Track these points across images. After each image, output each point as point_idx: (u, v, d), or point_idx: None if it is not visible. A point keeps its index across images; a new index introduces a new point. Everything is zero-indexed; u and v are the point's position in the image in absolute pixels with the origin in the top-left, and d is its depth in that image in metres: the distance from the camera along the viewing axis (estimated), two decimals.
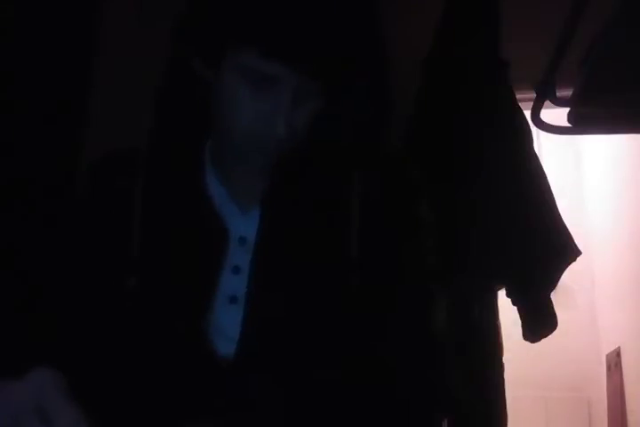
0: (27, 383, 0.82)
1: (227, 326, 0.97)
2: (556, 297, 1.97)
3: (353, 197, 1.01)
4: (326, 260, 0.99)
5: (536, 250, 1.94)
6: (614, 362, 3.43)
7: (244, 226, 1.01)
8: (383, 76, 1.16)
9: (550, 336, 1.96)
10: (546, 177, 2.00)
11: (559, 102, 1.80)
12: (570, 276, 2.02)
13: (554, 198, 1.99)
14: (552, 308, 1.96)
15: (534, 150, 2.03)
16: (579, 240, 1.98)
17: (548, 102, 1.80)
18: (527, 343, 1.98)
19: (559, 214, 1.99)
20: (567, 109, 1.78)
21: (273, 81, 0.91)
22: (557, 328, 1.95)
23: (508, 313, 2.00)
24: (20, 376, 0.83)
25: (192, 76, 0.99)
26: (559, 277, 1.97)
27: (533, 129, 1.96)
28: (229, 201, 1.02)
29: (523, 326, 1.96)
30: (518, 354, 2.37)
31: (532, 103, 1.82)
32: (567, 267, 1.97)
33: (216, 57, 0.94)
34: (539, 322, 1.95)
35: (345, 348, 0.98)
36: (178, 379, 0.98)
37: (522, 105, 2.02)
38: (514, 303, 1.98)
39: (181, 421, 0.95)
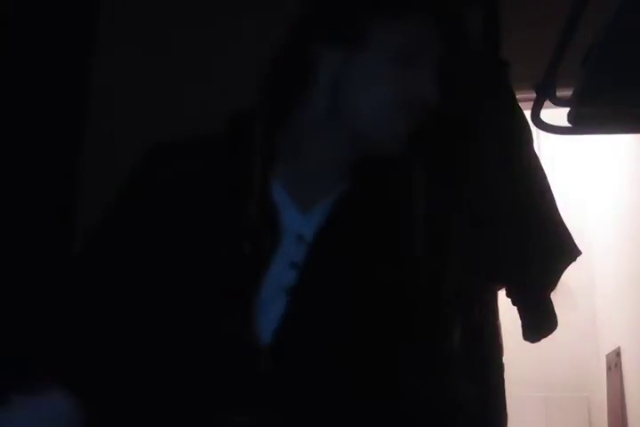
0: (37, 409, 0.83)
1: (276, 317, 0.99)
2: (556, 297, 1.97)
3: (421, 207, 1.03)
4: (380, 266, 1.01)
5: (536, 250, 1.94)
6: (614, 362, 3.43)
7: (302, 224, 1.02)
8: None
9: (550, 336, 1.96)
10: (546, 177, 2.00)
11: (559, 102, 1.80)
12: (570, 276, 2.01)
13: (554, 198, 1.99)
14: (552, 308, 1.96)
15: (534, 150, 2.03)
16: (579, 240, 1.98)
17: (547, 102, 1.80)
18: (527, 343, 1.98)
19: (559, 214, 1.98)
20: (567, 109, 1.77)
21: (420, 54, 0.95)
22: (557, 328, 1.95)
23: (508, 313, 2.00)
24: (26, 390, 0.84)
25: (302, 62, 1.00)
26: (559, 277, 1.97)
27: (533, 129, 1.96)
28: (289, 200, 1.03)
29: (523, 326, 1.95)
30: (518, 354, 2.37)
31: (532, 103, 1.82)
32: (567, 267, 1.96)
33: (351, 40, 0.96)
34: (539, 322, 1.95)
35: (377, 349, 0.99)
36: (220, 369, 0.99)
37: (522, 105, 2.02)
38: (514, 303, 1.98)
39: (220, 412, 0.96)
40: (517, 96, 2.06)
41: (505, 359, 1.98)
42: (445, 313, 1.04)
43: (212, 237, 1.01)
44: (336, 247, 1.00)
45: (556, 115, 1.85)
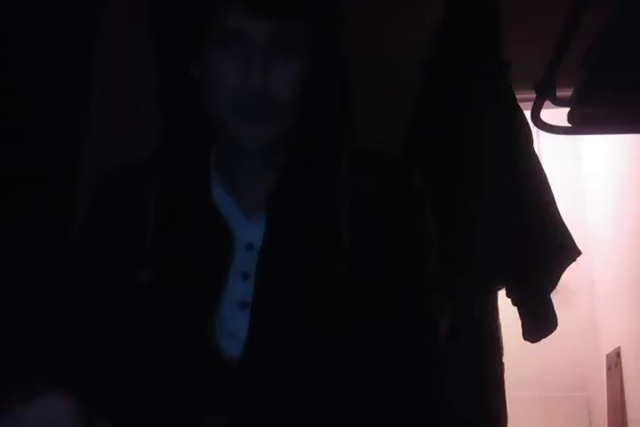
0: (38, 412, 0.82)
1: (238, 329, 0.98)
2: (556, 297, 1.97)
3: (347, 198, 1.01)
4: (328, 262, 0.99)
5: (536, 250, 1.94)
6: (614, 362, 3.42)
7: (250, 232, 1.01)
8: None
9: (550, 336, 1.96)
10: (546, 177, 2.01)
11: (559, 102, 1.80)
12: (570, 276, 2.02)
13: (554, 198, 1.99)
14: (552, 308, 1.96)
15: (534, 150, 2.03)
16: (579, 240, 1.98)
17: (547, 102, 1.80)
18: (527, 343, 1.98)
19: (559, 214, 1.99)
20: (567, 109, 1.78)
21: (240, 36, 0.92)
22: (557, 328, 1.95)
23: (508, 313, 2.00)
24: (26, 392, 0.83)
25: (189, 82, 1.00)
26: (559, 277, 1.97)
27: (533, 129, 1.96)
28: (235, 208, 1.02)
29: (523, 326, 1.96)
30: (518, 354, 2.37)
31: (532, 103, 1.82)
32: (567, 267, 1.97)
33: (198, 41, 0.95)
34: (539, 322, 1.95)
35: (349, 350, 0.99)
36: (187, 380, 0.98)
37: (522, 105, 2.02)
38: (514, 303, 1.98)
39: (192, 419, 0.96)
40: (517, 96, 2.06)
41: (505, 359, 1.98)
42: (419, 307, 1.01)
43: (166, 255, 1.01)
44: (287, 253, 0.99)
45: (556, 115, 1.85)
